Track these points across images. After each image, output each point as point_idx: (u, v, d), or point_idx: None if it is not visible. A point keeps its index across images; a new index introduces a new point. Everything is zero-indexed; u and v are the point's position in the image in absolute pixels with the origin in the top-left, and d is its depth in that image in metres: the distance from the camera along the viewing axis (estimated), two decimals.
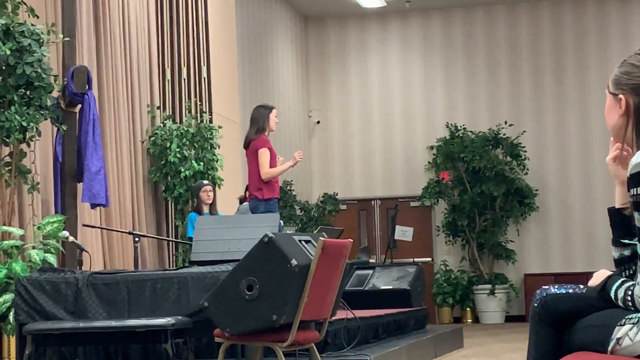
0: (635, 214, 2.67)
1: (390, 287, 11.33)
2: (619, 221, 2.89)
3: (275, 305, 5.10)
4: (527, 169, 16.91)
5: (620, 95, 2.82)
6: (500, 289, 16.72)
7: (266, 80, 15.72)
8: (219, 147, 11.93)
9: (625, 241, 2.87)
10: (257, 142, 9.33)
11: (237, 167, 13.49)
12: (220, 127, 12.11)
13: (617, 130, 2.84)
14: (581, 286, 2.99)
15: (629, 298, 2.77)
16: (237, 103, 13.96)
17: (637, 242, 2.77)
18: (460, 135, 17.16)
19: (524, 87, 17.44)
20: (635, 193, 2.64)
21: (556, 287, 2.98)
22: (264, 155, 9.24)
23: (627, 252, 2.86)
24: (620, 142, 2.83)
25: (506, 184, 16.68)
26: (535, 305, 2.97)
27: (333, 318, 6.06)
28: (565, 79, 17.25)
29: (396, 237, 15.02)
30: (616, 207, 2.91)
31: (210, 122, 12.36)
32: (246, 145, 9.52)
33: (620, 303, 2.81)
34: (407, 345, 8.87)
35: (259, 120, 9.45)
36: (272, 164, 9.32)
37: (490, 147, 16.94)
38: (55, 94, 8.61)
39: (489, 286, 16.67)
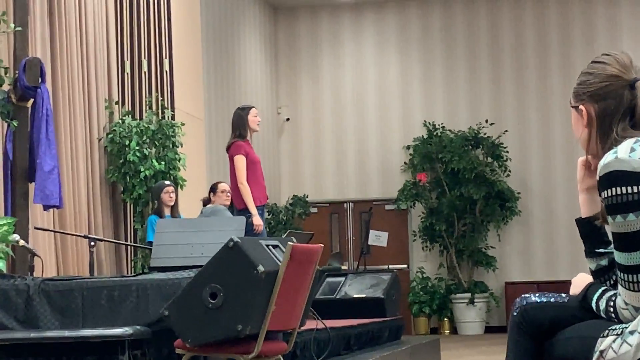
0: (609, 218, 2.72)
1: (364, 295, 11.35)
2: (590, 231, 2.96)
3: (241, 315, 5.10)
4: (509, 171, 16.99)
5: (581, 107, 2.93)
6: (480, 298, 16.79)
7: (232, 75, 15.71)
8: (181, 146, 11.91)
9: (601, 250, 2.92)
10: (232, 149, 9.62)
11: (200, 167, 13.48)
12: (183, 124, 12.10)
13: (586, 143, 2.95)
14: (563, 295, 3.03)
15: (611, 309, 2.81)
16: (202, 98, 13.95)
17: (613, 250, 2.81)
18: (439, 134, 17.22)
19: (506, 84, 17.53)
20: (606, 196, 2.70)
21: (537, 295, 3.02)
22: (238, 162, 9.45)
23: (604, 262, 2.91)
24: (591, 153, 2.94)
25: (487, 187, 16.75)
26: (515, 314, 3.00)
27: (302, 328, 6.07)
28: (549, 76, 17.35)
29: (370, 242, 15.04)
30: (583, 217, 2.98)
31: (173, 118, 12.34)
32: (227, 151, 9.75)
33: (602, 314, 2.85)
34: (381, 357, 8.89)
35: (237, 123, 9.66)
36: (253, 169, 9.51)
37: (470, 147, 17.01)
38: (5, 87, 8.56)
39: (468, 295, 16.74)
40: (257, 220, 9.29)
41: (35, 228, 9.17)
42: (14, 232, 7.82)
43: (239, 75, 16.03)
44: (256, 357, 5.25)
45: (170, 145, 11.72)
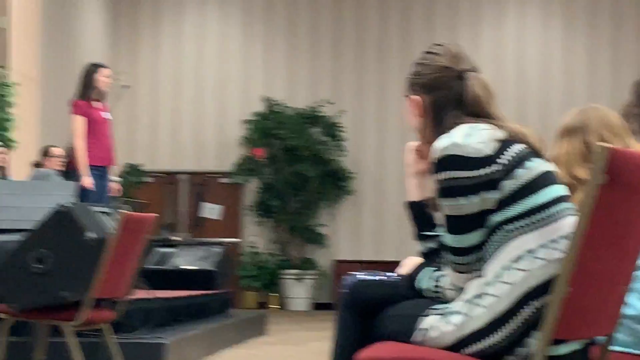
0: (441, 201, 2.78)
1: (194, 267, 11.31)
2: (419, 214, 3.05)
3: (67, 281, 5.01)
4: (345, 151, 17.18)
5: (415, 97, 3.01)
6: (309, 274, 16.96)
7: (71, 36, 15.35)
8: (14, 106, 11.58)
9: (429, 233, 2.99)
10: (70, 107, 9.34)
11: (33, 129, 13.14)
12: (15, 83, 11.77)
13: (419, 132, 3.04)
14: (391, 274, 3.09)
15: (438, 289, 2.88)
16: (38, 59, 13.59)
17: (441, 233, 2.88)
18: (277, 110, 17.25)
19: (346, 65, 17.67)
20: (440, 179, 2.76)
21: (366, 273, 3.07)
22: (73, 123, 9.23)
23: (432, 244, 2.98)
24: (424, 141, 3.02)
25: (322, 165, 16.91)
26: (344, 291, 3.04)
27: (130, 297, 6.01)
28: (388, 60, 17.58)
29: (203, 214, 14.99)
30: (414, 200, 3.05)
31: (6, 77, 11.98)
32: None
33: (428, 293, 2.92)
34: (208, 329, 8.89)
35: (82, 79, 9.41)
36: (95, 129, 9.28)
37: (308, 125, 17.12)
38: None
39: (297, 271, 16.88)
40: (86, 181, 9.09)
41: None
42: None
43: (78, 38, 15.68)
44: (81, 325, 5.17)
45: (2, 106, 11.38)
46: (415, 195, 3.07)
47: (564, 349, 2.71)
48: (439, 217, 2.90)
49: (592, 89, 17.08)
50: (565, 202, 2.80)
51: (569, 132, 3.46)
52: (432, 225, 3.01)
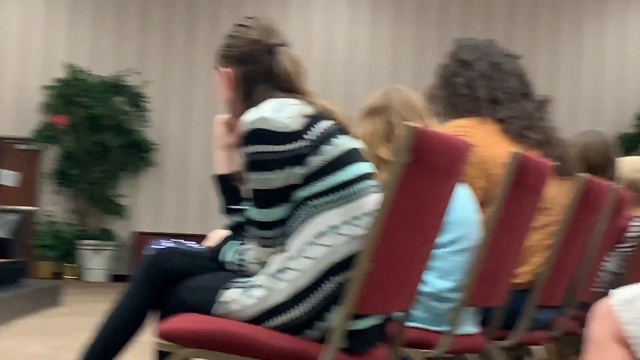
0: (249, 175, 2.78)
1: None
2: (227, 188, 3.04)
3: None
4: (149, 122, 16.99)
5: (225, 69, 3.00)
6: (107, 245, 16.72)
7: None
8: None
9: (236, 207, 2.98)
10: None
11: None
12: None
13: (229, 104, 3.01)
14: (196, 245, 3.07)
15: (241, 262, 2.88)
16: None
17: (247, 207, 2.87)
18: (81, 77, 16.85)
19: (153, 34, 17.45)
20: (248, 152, 2.76)
21: (171, 241, 3.04)
22: None
23: (239, 218, 2.97)
24: (234, 114, 3.00)
25: (125, 135, 16.66)
26: (145, 255, 3.00)
27: None
28: (196, 33, 17.46)
29: None
30: (222, 173, 3.04)
31: None
32: None
33: (232, 266, 2.92)
34: (0, 299, 8.67)
35: None
36: None
37: (112, 94, 16.81)
38: None
39: (96, 242, 16.62)
40: None
41: None
42: None
43: None
44: None
45: None
46: (223, 169, 3.06)
47: (363, 324, 2.76)
48: (246, 190, 2.90)
49: (396, 71, 17.46)
50: (370, 180, 2.84)
51: (373, 112, 3.51)
52: (239, 199, 3.00)
